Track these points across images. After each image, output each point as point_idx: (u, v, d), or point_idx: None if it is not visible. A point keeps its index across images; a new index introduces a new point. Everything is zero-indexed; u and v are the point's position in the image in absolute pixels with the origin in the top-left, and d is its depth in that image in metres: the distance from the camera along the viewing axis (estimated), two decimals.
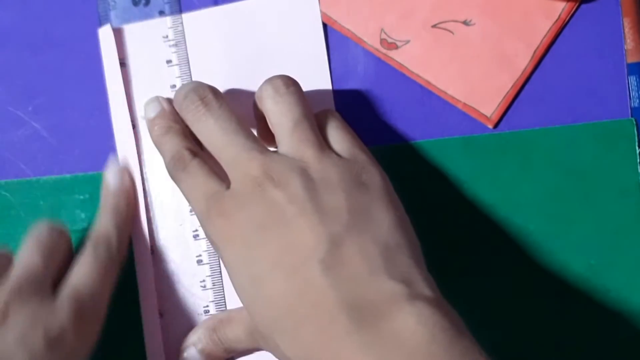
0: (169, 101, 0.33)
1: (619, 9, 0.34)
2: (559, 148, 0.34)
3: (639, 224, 0.33)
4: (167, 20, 0.35)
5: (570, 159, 0.34)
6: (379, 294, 0.25)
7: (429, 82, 0.34)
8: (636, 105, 0.34)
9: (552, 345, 0.34)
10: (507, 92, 0.34)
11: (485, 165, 0.34)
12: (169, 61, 0.35)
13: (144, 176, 0.35)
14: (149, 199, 0.35)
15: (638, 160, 0.33)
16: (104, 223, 0.33)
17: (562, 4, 0.34)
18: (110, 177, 0.34)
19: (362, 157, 0.30)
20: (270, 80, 0.30)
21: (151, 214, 0.35)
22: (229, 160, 0.29)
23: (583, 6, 0.34)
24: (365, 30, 0.35)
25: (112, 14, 0.36)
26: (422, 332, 0.24)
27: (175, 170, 0.30)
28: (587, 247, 0.34)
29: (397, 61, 0.35)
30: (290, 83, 0.30)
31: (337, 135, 0.31)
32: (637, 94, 0.34)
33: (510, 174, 0.34)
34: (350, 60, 0.35)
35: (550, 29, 0.34)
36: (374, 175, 0.29)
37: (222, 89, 0.34)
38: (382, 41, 0.35)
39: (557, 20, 0.34)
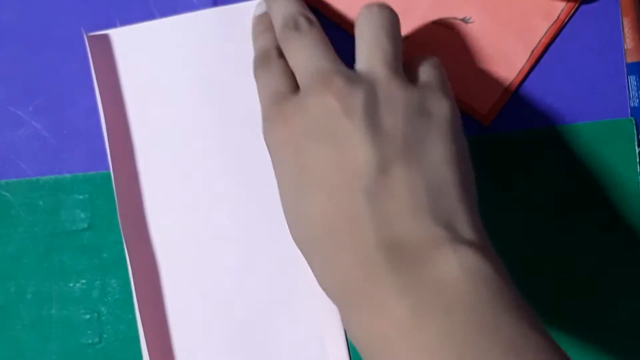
0: None
1: (619, 9, 0.34)
2: (558, 148, 0.34)
3: (638, 222, 0.33)
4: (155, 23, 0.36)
5: (570, 159, 0.34)
6: (420, 236, 0.24)
7: None
8: (636, 104, 0.34)
9: None
10: (503, 91, 0.34)
11: (483, 165, 0.34)
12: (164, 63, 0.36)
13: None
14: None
15: (638, 159, 0.34)
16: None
17: (562, 5, 0.34)
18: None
19: (435, 86, 0.28)
20: (368, 6, 0.30)
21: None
22: (304, 71, 0.29)
23: (582, 6, 0.34)
24: None
25: None
26: (463, 282, 0.23)
27: (257, 66, 0.31)
28: (587, 246, 0.34)
29: None
30: (386, 8, 0.30)
31: (422, 65, 0.30)
32: (636, 94, 0.34)
33: (510, 174, 0.34)
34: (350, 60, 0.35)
35: (548, 29, 0.34)
36: (440, 105, 0.27)
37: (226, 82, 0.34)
38: None
39: (555, 20, 0.34)
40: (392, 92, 0.27)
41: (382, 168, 0.25)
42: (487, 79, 0.34)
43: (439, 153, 0.26)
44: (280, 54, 0.31)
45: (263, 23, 0.33)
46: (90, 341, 0.36)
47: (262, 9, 0.33)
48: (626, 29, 0.34)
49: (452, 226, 0.25)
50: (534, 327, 0.23)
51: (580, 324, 0.34)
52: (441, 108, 0.27)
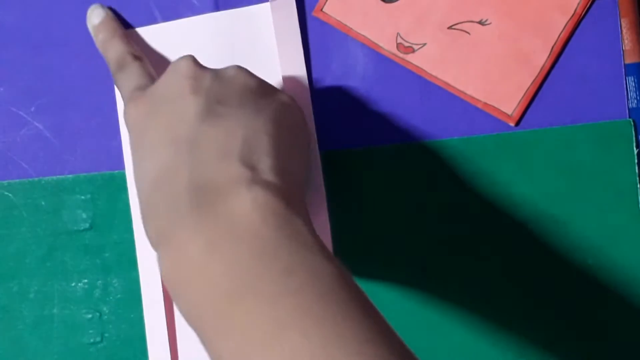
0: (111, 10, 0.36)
1: (617, 10, 0.34)
2: (557, 149, 0.34)
3: (636, 223, 0.34)
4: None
5: (569, 160, 0.34)
6: (223, 177, 0.25)
7: (447, 84, 0.34)
8: (634, 106, 0.34)
9: (550, 345, 0.34)
10: (527, 89, 0.34)
11: (485, 165, 0.34)
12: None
13: None
14: None
15: (636, 160, 0.34)
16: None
17: None
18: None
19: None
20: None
21: None
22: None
23: None
24: (381, 35, 0.35)
25: None
26: (254, 216, 0.24)
27: (117, 72, 0.32)
28: (585, 246, 0.34)
29: (414, 64, 0.35)
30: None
31: None
32: (635, 95, 0.34)
33: (510, 174, 0.34)
34: (350, 60, 0.35)
35: (566, 24, 0.34)
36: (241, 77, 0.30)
37: None
38: (399, 45, 0.35)
39: (573, 14, 0.34)
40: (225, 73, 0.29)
41: (204, 117, 0.27)
42: (510, 79, 0.34)
43: (265, 110, 0.28)
44: (135, 57, 0.33)
45: (106, 30, 0.35)
46: (92, 340, 0.36)
47: (100, 15, 0.35)
48: (624, 30, 0.34)
49: (255, 169, 0.26)
50: (319, 254, 0.24)
51: (576, 327, 0.34)
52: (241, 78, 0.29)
